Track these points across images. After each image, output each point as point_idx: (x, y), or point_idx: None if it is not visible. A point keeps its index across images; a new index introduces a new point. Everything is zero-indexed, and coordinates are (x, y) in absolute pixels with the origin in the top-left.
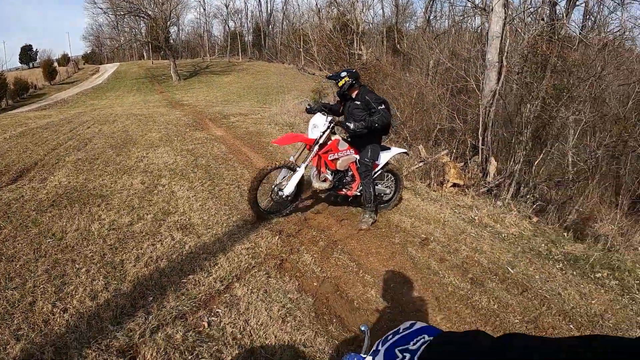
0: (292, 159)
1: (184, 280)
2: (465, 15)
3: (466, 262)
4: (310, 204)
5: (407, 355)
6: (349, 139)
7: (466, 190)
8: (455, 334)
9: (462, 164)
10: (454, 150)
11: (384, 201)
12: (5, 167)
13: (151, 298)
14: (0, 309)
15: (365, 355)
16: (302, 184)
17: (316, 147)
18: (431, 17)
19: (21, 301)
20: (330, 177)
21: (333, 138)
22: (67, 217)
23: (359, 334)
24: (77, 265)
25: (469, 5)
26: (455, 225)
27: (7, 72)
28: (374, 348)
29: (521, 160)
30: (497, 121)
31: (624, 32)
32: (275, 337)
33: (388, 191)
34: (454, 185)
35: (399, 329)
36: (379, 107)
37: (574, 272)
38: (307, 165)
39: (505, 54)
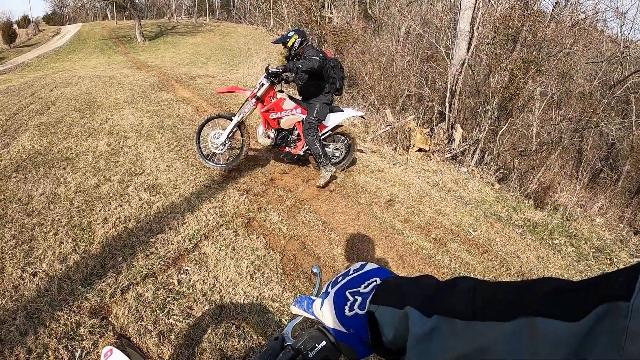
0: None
1: (153, 240)
2: None
3: (429, 223)
4: (277, 164)
5: (359, 299)
6: (297, 98)
7: (431, 155)
8: (405, 277)
9: (428, 129)
10: (421, 116)
11: (336, 163)
12: None
13: (120, 258)
14: None
15: (315, 298)
16: (245, 141)
17: (252, 101)
18: None
19: None
20: (272, 135)
21: (278, 97)
22: (33, 181)
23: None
24: (44, 229)
25: None
26: (419, 188)
27: None
28: (323, 290)
29: (486, 129)
30: (464, 90)
31: (597, 13)
32: (245, 292)
33: (337, 153)
34: (420, 150)
35: (349, 270)
36: (311, 57)
37: (533, 237)
38: (241, 116)
39: (477, 24)
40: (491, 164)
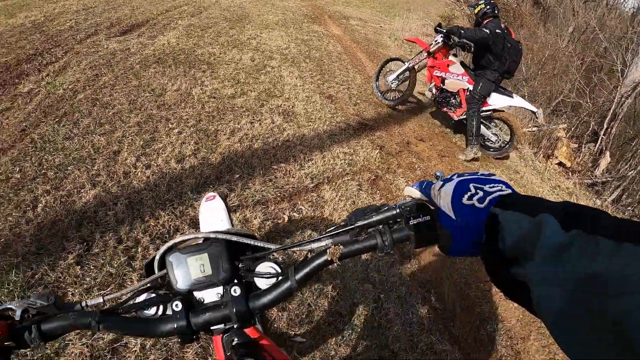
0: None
1: (275, 167)
2: None
3: None
4: (416, 129)
5: (481, 193)
6: (468, 67)
7: (570, 174)
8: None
9: (576, 145)
10: (572, 129)
11: (486, 147)
12: (116, 19)
13: (237, 176)
14: (84, 152)
15: (435, 181)
16: (410, 86)
17: (425, 53)
18: None
19: (106, 148)
20: (434, 91)
21: (449, 58)
22: (170, 76)
23: None
24: (170, 125)
25: None
26: None
27: None
28: (448, 177)
29: (638, 167)
30: (625, 116)
31: None
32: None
33: (494, 139)
34: (560, 163)
35: (478, 172)
36: (482, 29)
37: None
38: (412, 64)
39: None
40: (629, 208)
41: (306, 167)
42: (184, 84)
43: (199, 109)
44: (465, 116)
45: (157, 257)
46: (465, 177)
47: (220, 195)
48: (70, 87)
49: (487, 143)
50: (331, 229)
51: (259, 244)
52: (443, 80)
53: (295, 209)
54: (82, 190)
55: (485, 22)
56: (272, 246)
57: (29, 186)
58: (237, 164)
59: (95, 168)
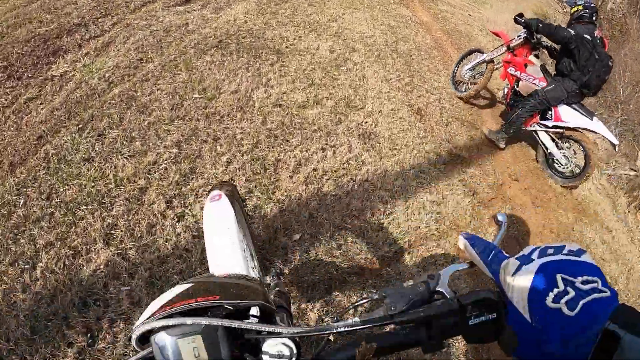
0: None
1: (347, 225)
2: None
3: None
4: (510, 161)
5: (572, 293)
6: (554, 75)
7: None
8: None
9: None
10: None
11: (554, 169)
12: None
13: (298, 237)
14: (103, 185)
15: (498, 245)
16: (486, 79)
17: (504, 47)
18: None
19: (131, 181)
20: (506, 90)
21: (530, 58)
22: (229, 69)
23: None
24: (218, 148)
25: None
26: None
27: None
28: (525, 253)
29: None
30: None
31: None
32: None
33: (564, 162)
34: None
35: (563, 247)
36: (568, 28)
37: None
38: (490, 57)
39: None
40: None
41: (387, 225)
42: (244, 83)
43: (259, 123)
44: (535, 127)
45: (134, 337)
46: (549, 259)
47: (227, 194)
48: (107, 75)
49: (555, 165)
50: (365, 315)
51: (265, 329)
52: (517, 82)
53: (365, 291)
54: (92, 249)
55: (579, 24)
56: (284, 330)
57: (32, 231)
58: (298, 218)
59: (113, 213)
